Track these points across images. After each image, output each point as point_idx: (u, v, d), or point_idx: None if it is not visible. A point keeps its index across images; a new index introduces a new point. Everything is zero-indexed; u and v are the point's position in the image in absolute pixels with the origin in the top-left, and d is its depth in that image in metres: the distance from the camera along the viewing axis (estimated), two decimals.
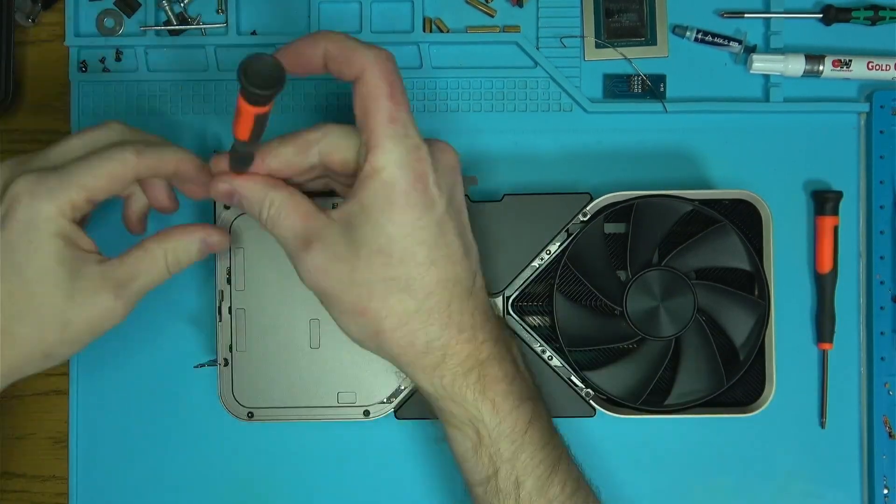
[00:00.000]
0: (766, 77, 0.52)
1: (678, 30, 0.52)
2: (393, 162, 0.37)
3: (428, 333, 0.39)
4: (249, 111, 0.35)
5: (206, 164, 0.42)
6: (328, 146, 0.40)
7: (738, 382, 0.47)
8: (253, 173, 0.40)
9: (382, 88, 0.37)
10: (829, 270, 0.50)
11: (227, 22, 0.52)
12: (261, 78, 0.33)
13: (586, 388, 0.47)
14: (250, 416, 0.47)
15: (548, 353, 0.48)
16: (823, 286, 0.51)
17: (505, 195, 0.48)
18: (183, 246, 0.41)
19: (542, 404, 0.42)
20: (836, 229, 0.50)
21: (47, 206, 0.37)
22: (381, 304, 0.38)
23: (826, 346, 0.51)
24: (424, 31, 0.52)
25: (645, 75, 0.52)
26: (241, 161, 0.39)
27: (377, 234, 0.38)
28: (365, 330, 0.40)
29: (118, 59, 0.53)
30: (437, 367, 0.39)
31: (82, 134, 0.41)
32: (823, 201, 0.50)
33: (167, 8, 0.52)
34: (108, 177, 0.39)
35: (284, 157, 0.40)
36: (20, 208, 0.37)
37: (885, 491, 0.50)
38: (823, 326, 0.51)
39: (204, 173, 0.41)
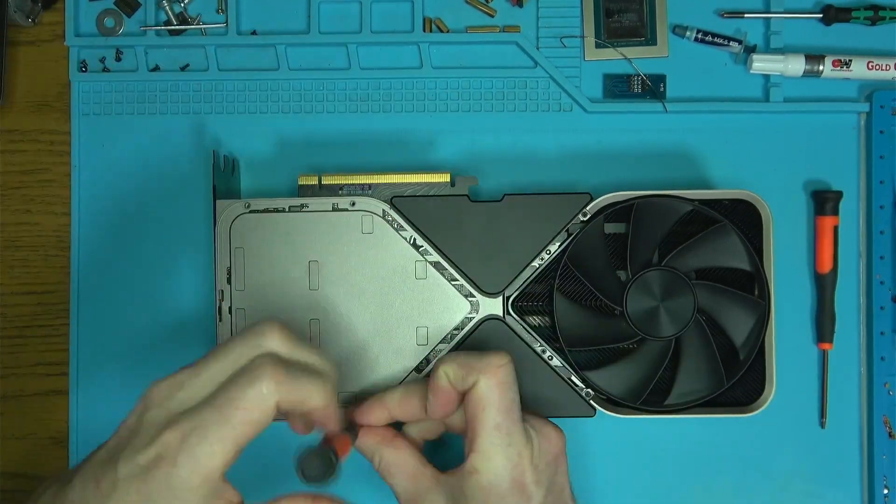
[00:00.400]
0: (766, 77, 0.52)
1: (678, 30, 0.52)
2: (492, 469, 0.40)
3: None
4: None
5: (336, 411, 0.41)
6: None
7: (738, 382, 0.47)
8: (371, 426, 0.44)
9: (492, 398, 0.40)
10: (829, 270, 0.50)
11: (227, 22, 0.52)
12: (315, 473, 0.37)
13: (586, 388, 0.47)
14: None
15: (548, 353, 0.48)
16: (823, 286, 0.51)
17: (505, 195, 0.48)
18: None
19: None
20: (835, 229, 0.50)
21: (194, 478, 0.35)
22: None
23: (826, 346, 0.51)
24: (424, 31, 0.52)
25: (645, 75, 0.52)
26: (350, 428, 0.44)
27: None
28: None
29: (118, 59, 0.53)
30: None
31: (228, 349, 0.38)
32: (823, 201, 0.50)
33: (167, 8, 0.52)
34: (247, 422, 0.36)
35: (407, 408, 0.44)
36: (163, 468, 0.35)
37: (885, 491, 0.50)
38: (823, 326, 0.51)
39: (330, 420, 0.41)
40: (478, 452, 0.40)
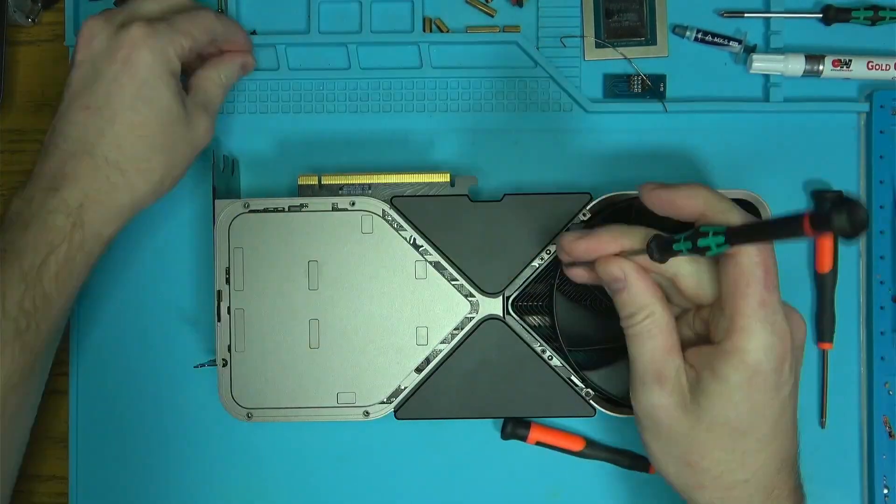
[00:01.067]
0: (766, 77, 0.52)
1: (678, 30, 0.52)
2: (759, 348, 0.37)
3: (749, 502, 0.39)
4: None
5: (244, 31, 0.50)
6: (685, 271, 0.39)
7: None
8: (645, 274, 0.39)
9: (757, 273, 0.37)
10: (828, 270, 0.50)
11: None
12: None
13: (586, 388, 0.47)
14: (250, 416, 0.47)
15: (548, 353, 0.48)
16: (823, 286, 0.51)
17: (505, 195, 0.48)
18: (230, 67, 0.49)
19: None
20: None
21: (167, 49, 0.44)
22: (712, 466, 0.39)
23: (826, 345, 0.51)
24: (424, 31, 0.52)
25: (645, 75, 0.52)
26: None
27: (728, 408, 0.38)
28: (685, 479, 0.40)
29: None
30: None
31: None
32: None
33: None
34: (203, 27, 0.46)
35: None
36: (143, 51, 0.43)
37: (885, 491, 0.50)
38: (823, 326, 0.51)
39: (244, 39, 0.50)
40: (743, 330, 0.37)
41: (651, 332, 0.39)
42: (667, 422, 0.39)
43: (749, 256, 0.37)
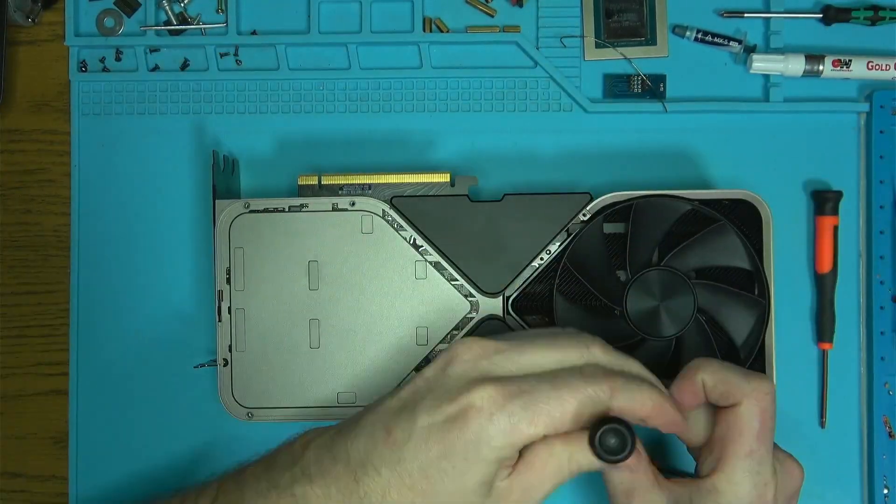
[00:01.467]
0: (766, 77, 0.52)
1: (678, 30, 0.52)
2: (735, 494, 0.38)
3: None
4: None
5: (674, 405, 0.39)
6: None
7: None
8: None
9: (752, 425, 0.38)
10: (828, 270, 0.50)
11: (226, 22, 0.52)
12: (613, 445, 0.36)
13: None
14: (250, 416, 0.47)
15: None
16: (823, 286, 0.51)
17: (505, 195, 0.48)
18: (586, 453, 0.37)
19: None
20: (835, 229, 0.50)
21: (501, 438, 0.35)
22: None
23: (826, 345, 0.51)
24: (424, 31, 0.52)
25: (645, 75, 0.52)
26: None
27: None
28: None
29: (118, 59, 0.53)
30: None
31: (557, 343, 0.38)
32: (823, 201, 0.50)
33: (167, 8, 0.52)
34: (574, 415, 0.36)
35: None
36: (474, 423, 0.35)
37: (885, 491, 0.50)
38: (823, 326, 0.51)
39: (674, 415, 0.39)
40: (724, 474, 0.38)
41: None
42: None
43: (749, 407, 0.38)
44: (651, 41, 0.52)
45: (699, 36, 0.52)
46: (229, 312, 0.47)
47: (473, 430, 0.35)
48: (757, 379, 0.39)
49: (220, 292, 0.47)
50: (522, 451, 0.37)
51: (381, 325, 0.47)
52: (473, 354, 0.37)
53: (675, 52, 0.52)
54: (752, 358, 0.47)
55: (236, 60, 0.53)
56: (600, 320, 0.48)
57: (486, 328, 0.47)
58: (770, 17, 0.52)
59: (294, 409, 0.47)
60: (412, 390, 0.38)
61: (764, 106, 0.52)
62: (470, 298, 0.47)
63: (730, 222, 0.47)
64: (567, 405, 0.35)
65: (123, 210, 0.52)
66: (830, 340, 0.51)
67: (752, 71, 0.51)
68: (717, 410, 0.40)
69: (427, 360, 0.47)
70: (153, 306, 0.52)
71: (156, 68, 0.53)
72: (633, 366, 0.39)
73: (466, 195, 0.48)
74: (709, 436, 0.40)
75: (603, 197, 0.47)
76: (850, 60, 0.51)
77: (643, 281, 0.46)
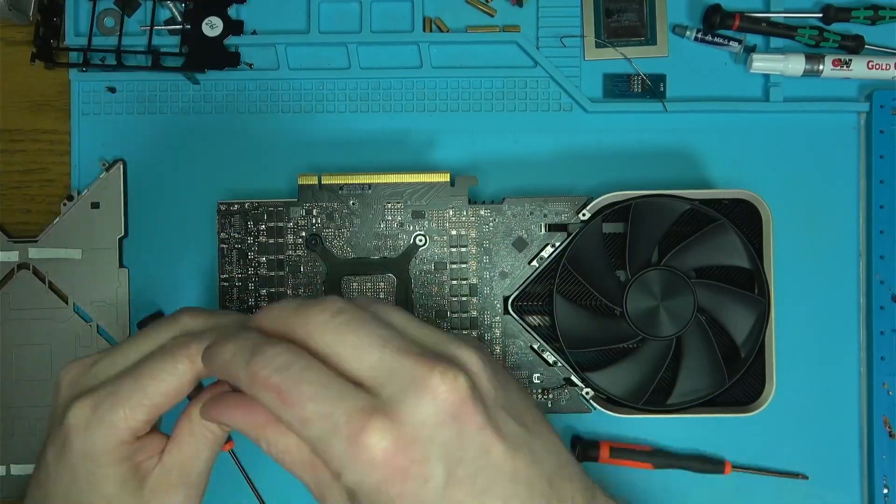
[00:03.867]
0: (766, 77, 0.52)
1: (678, 29, 0.52)
2: (347, 478, 0.30)
3: None
4: None
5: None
6: None
7: (738, 382, 0.47)
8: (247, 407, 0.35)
9: (273, 402, 0.31)
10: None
11: None
12: None
13: (586, 387, 0.47)
14: None
15: (547, 353, 0.48)
16: None
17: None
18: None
19: None
20: None
21: (103, 440, 0.36)
22: None
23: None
24: (424, 30, 0.52)
25: (645, 75, 0.52)
26: None
27: None
28: None
29: (118, 59, 0.52)
30: None
31: (148, 331, 0.38)
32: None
33: (171, 6, 0.52)
34: (163, 395, 0.36)
35: None
36: (77, 441, 0.36)
37: (885, 491, 0.50)
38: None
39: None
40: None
41: (283, 461, 0.35)
42: None
43: (261, 402, 0.31)
44: (651, 41, 0.52)
45: (699, 36, 0.52)
46: None
47: (79, 447, 0.36)
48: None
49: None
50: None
51: None
52: (73, 375, 0.38)
53: (675, 51, 0.52)
54: (753, 356, 0.47)
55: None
56: (600, 320, 0.48)
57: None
58: (770, 17, 0.52)
59: None
60: (47, 431, 0.38)
61: (764, 106, 0.52)
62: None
63: (728, 221, 0.47)
64: (151, 388, 0.36)
65: None
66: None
67: (752, 71, 0.51)
68: None
69: None
70: (154, 306, 0.52)
71: (156, 68, 0.53)
72: (225, 318, 0.39)
73: (466, 197, 0.48)
74: None
75: (602, 197, 0.47)
76: (850, 60, 0.51)
77: (643, 281, 0.46)
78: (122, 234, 0.52)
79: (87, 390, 0.37)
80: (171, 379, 0.36)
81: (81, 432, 0.36)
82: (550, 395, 0.47)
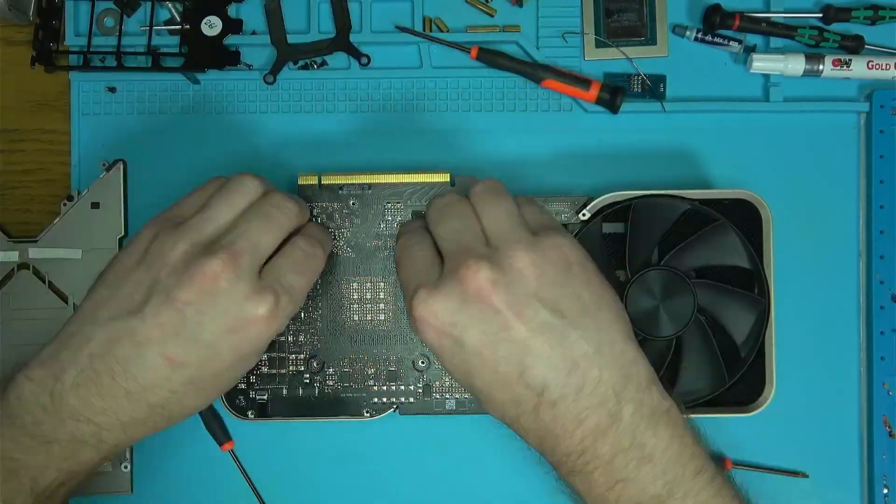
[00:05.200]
0: (766, 77, 0.52)
1: (678, 29, 0.52)
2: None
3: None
4: None
5: None
6: None
7: (739, 381, 0.47)
8: None
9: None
10: None
11: None
12: None
13: None
14: (251, 415, 0.47)
15: None
16: None
17: None
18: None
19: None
20: None
21: (273, 333, 0.41)
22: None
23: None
24: (424, 30, 0.52)
25: (645, 75, 0.52)
26: None
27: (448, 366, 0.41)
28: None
29: (118, 59, 0.52)
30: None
31: (226, 195, 0.43)
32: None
33: (170, 6, 0.52)
34: (276, 233, 0.42)
35: None
36: (253, 330, 0.40)
37: (885, 491, 0.50)
38: None
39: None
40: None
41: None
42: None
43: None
44: (651, 41, 0.52)
45: (699, 36, 0.52)
46: None
47: (253, 334, 0.40)
48: None
49: None
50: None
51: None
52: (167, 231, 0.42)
53: (675, 51, 0.52)
54: (753, 356, 0.47)
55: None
56: None
57: None
58: (770, 17, 0.52)
59: None
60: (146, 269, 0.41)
61: (764, 106, 0.52)
62: None
63: (728, 221, 0.47)
64: (268, 233, 0.42)
65: None
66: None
67: (752, 71, 0.51)
68: None
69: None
70: None
71: (156, 68, 0.53)
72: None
73: (466, 196, 0.48)
74: None
75: (602, 197, 0.47)
76: (850, 60, 0.51)
77: (643, 281, 0.46)
78: (122, 234, 0.52)
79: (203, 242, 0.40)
80: (284, 220, 0.43)
81: (263, 324, 0.40)
82: None
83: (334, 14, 0.51)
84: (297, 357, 0.48)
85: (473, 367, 0.39)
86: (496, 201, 0.42)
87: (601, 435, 0.38)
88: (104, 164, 0.52)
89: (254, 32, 0.52)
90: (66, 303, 0.52)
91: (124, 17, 0.52)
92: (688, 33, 0.52)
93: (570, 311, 0.39)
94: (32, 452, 0.39)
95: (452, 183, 0.48)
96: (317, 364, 0.47)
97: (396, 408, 0.48)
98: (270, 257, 0.42)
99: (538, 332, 0.38)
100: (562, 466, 0.39)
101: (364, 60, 0.51)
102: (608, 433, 0.38)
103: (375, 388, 0.48)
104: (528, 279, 0.38)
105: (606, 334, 0.39)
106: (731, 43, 0.51)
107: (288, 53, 0.51)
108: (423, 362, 0.47)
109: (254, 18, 0.53)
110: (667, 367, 0.47)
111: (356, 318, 0.48)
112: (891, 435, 0.50)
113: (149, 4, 0.52)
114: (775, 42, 0.52)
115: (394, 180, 0.48)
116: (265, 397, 0.48)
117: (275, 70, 0.51)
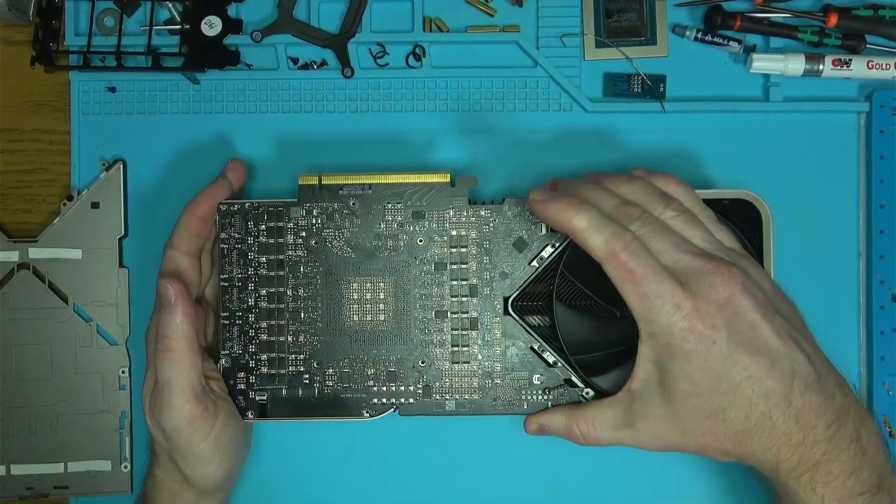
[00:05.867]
0: (766, 77, 0.52)
1: (678, 29, 0.52)
2: (658, 331, 0.41)
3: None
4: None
5: None
6: None
7: None
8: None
9: (620, 275, 0.41)
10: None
11: None
12: None
13: (586, 387, 0.47)
14: (251, 416, 0.47)
15: (547, 353, 0.48)
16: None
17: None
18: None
19: (884, 495, 0.41)
20: None
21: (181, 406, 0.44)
22: (710, 437, 0.42)
23: None
24: (424, 30, 0.52)
25: (645, 75, 0.52)
26: None
27: (681, 382, 0.41)
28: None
29: (118, 59, 0.52)
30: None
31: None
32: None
33: (170, 6, 0.52)
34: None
35: None
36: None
37: None
38: None
39: None
40: (639, 321, 0.42)
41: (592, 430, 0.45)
42: (666, 439, 0.43)
43: (607, 268, 0.41)
44: (651, 41, 0.52)
45: (699, 36, 0.52)
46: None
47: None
48: (608, 231, 0.41)
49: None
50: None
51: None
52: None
53: (675, 51, 0.52)
54: None
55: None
56: (602, 324, 0.48)
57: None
58: (770, 17, 0.52)
59: None
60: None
61: (764, 106, 0.52)
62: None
63: (729, 222, 0.47)
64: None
65: None
66: None
67: (752, 71, 0.51)
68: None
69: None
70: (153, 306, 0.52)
71: (156, 68, 0.53)
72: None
73: (467, 198, 0.48)
74: None
75: None
76: (850, 60, 0.51)
77: None
78: (122, 234, 0.52)
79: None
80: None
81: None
82: (550, 396, 0.47)
83: (347, 13, 0.51)
84: (296, 357, 0.48)
85: (724, 370, 0.40)
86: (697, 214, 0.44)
87: (841, 425, 0.40)
88: (104, 164, 0.52)
89: (253, 33, 0.52)
90: (66, 303, 0.52)
91: (124, 16, 0.52)
92: (688, 33, 0.52)
93: (797, 330, 0.42)
94: None
95: (452, 183, 0.48)
96: (317, 364, 0.47)
97: (396, 408, 0.48)
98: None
99: (780, 337, 0.40)
100: (802, 465, 0.40)
101: (348, 73, 0.51)
102: (845, 423, 0.40)
103: (375, 388, 0.48)
104: (765, 287, 0.42)
105: (809, 337, 0.43)
106: (731, 43, 0.51)
107: (286, 22, 0.51)
108: (423, 362, 0.47)
109: (254, 18, 0.53)
110: None
111: (356, 318, 0.48)
112: (891, 435, 0.50)
113: (149, 4, 0.52)
114: (775, 42, 0.52)
115: (394, 180, 0.48)
116: (265, 397, 0.48)
117: (265, 31, 0.51)
